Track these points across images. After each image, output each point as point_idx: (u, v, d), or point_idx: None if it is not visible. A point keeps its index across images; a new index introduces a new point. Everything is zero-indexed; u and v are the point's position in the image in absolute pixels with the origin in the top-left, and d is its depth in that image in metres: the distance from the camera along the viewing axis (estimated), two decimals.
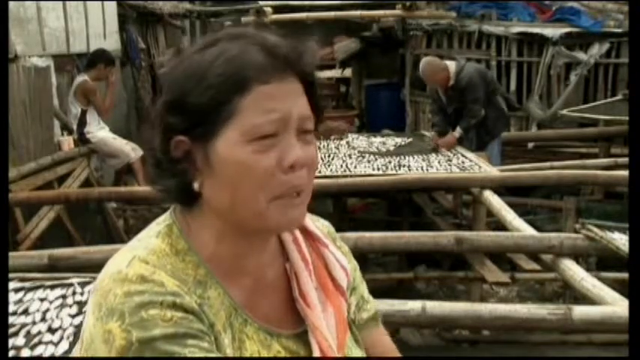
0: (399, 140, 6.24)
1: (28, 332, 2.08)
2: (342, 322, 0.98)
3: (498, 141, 5.83)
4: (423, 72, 5.74)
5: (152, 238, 0.90)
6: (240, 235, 0.90)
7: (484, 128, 5.67)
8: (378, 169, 4.83)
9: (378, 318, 1.08)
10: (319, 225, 1.06)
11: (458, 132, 5.55)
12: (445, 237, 3.29)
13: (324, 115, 0.95)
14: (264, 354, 0.89)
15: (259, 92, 0.84)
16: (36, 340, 2.03)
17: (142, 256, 0.86)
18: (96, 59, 6.06)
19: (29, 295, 2.33)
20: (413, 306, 2.32)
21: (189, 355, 0.79)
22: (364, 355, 1.02)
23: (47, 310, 2.22)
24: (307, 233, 1.02)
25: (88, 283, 2.37)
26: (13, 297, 2.30)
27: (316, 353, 0.92)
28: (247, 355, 0.88)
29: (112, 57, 6.31)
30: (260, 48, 0.86)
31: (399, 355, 1.09)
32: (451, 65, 5.67)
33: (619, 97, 6.61)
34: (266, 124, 0.84)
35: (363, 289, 1.08)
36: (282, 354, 0.91)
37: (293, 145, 0.85)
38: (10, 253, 2.75)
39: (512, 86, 7.76)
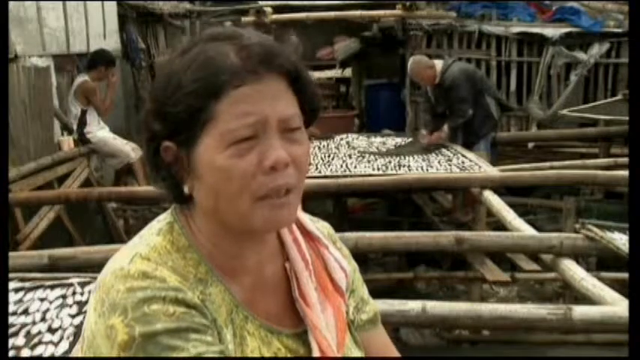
0: (399, 140, 6.25)
1: (28, 332, 2.08)
2: (342, 321, 0.98)
3: (485, 141, 5.83)
4: (410, 70, 5.89)
5: (153, 235, 0.90)
6: (233, 235, 0.90)
7: (470, 128, 5.68)
8: (378, 169, 4.84)
9: (378, 320, 1.08)
10: (319, 226, 1.07)
11: (444, 131, 5.63)
12: (445, 237, 3.28)
13: (319, 110, 0.94)
14: (264, 351, 0.90)
15: (233, 96, 0.83)
16: (36, 340, 2.03)
17: (144, 253, 0.86)
18: (96, 60, 6.06)
19: (29, 295, 2.34)
20: (413, 306, 2.32)
21: (192, 349, 0.79)
22: (363, 356, 1.02)
23: (47, 310, 2.22)
24: (307, 234, 1.02)
25: (88, 283, 2.38)
26: (13, 297, 2.31)
27: (315, 353, 0.92)
28: (248, 350, 0.88)
29: (113, 57, 6.31)
30: (234, 49, 0.85)
31: (397, 355, 1.10)
32: (438, 64, 5.74)
33: (619, 97, 6.60)
34: (241, 128, 0.83)
35: (363, 291, 1.08)
36: (282, 352, 0.92)
37: (273, 145, 0.84)
38: (10, 253, 2.75)
39: (513, 86, 7.74)
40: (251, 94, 0.84)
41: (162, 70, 0.89)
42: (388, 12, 7.71)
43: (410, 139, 6.24)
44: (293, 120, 0.87)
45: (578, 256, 3.30)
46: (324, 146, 5.82)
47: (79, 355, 0.89)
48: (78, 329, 2.06)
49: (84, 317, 1.83)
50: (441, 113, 5.79)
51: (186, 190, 0.89)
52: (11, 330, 2.06)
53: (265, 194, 0.85)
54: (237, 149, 0.83)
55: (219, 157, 0.84)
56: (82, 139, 5.90)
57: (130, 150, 6.07)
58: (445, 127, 5.62)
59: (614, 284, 2.90)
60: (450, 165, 4.95)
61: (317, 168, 4.85)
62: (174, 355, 0.78)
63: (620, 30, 7.42)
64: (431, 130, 5.81)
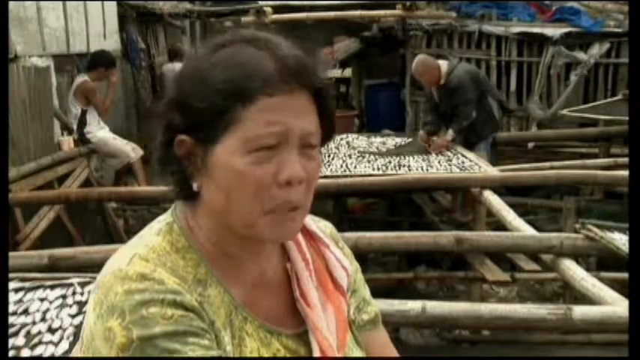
0: (399, 140, 6.24)
1: (28, 332, 2.08)
2: (343, 321, 0.98)
3: (486, 143, 5.82)
4: (414, 70, 5.83)
5: (153, 236, 0.90)
6: (235, 237, 0.90)
7: (472, 129, 5.65)
8: (378, 169, 4.84)
9: (379, 320, 1.08)
10: (321, 226, 1.07)
11: (450, 135, 5.59)
12: (445, 237, 3.29)
13: (334, 131, 0.95)
14: (264, 352, 0.90)
15: (263, 104, 0.83)
16: (36, 340, 2.03)
17: (143, 254, 0.86)
18: (97, 61, 6.06)
19: (29, 295, 2.34)
20: (413, 306, 2.32)
21: (189, 353, 0.79)
22: (365, 356, 1.02)
23: (47, 310, 2.22)
24: (308, 233, 1.02)
25: (88, 283, 2.38)
26: (13, 297, 2.31)
27: (316, 353, 0.92)
28: (247, 352, 0.88)
29: (113, 59, 6.31)
30: (270, 57, 0.85)
31: (397, 355, 1.10)
32: (443, 65, 5.71)
33: (619, 97, 6.60)
34: (266, 137, 0.83)
35: (365, 291, 1.08)
36: (282, 352, 0.92)
37: (292, 160, 0.85)
38: (10, 253, 2.75)
39: (513, 86, 7.75)
40: (280, 105, 0.84)
41: (189, 65, 0.89)
42: (388, 12, 7.71)
43: (410, 139, 6.24)
44: (313, 137, 0.88)
45: (578, 256, 3.30)
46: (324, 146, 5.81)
47: (79, 355, 0.89)
48: (78, 329, 2.06)
49: (84, 317, 1.84)
50: (444, 114, 5.77)
51: (195, 186, 0.88)
52: (11, 330, 2.06)
53: (274, 208, 0.85)
54: (256, 157, 0.83)
55: (238, 161, 0.83)
56: (82, 139, 5.90)
57: (130, 150, 6.08)
58: (450, 131, 5.60)
59: (614, 284, 2.90)
60: (450, 165, 4.95)
61: None
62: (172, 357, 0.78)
63: (620, 30, 7.42)
64: (435, 132, 5.78)
